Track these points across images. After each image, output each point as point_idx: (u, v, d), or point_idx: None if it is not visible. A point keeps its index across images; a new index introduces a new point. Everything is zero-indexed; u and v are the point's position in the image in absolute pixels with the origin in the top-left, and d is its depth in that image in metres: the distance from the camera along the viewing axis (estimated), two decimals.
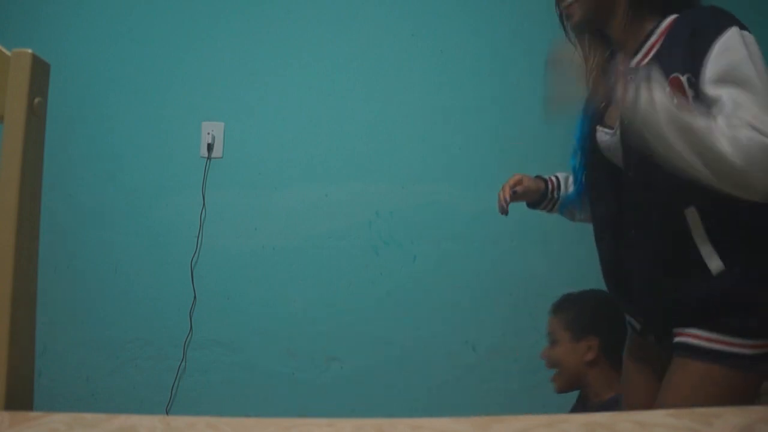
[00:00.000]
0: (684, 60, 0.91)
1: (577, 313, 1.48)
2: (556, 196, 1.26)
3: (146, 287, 2.04)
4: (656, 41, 0.99)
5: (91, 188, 2.08)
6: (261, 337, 2.02)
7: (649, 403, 1.07)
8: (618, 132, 1.02)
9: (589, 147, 1.12)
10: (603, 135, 1.08)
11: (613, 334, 1.35)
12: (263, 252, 2.05)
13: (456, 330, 1.97)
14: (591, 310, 1.47)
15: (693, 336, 0.95)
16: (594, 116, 1.11)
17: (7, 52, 0.54)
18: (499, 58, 2.05)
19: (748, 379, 0.95)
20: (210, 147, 2.07)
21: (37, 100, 0.53)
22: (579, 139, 1.16)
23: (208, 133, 2.07)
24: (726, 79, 0.87)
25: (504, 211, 1.20)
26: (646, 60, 0.99)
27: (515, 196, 1.21)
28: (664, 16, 1.00)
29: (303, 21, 2.12)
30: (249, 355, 2.01)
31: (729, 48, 0.88)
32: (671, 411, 0.45)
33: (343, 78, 2.10)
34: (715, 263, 0.93)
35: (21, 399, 0.52)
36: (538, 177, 1.27)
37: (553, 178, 1.27)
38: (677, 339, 0.98)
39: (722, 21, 0.91)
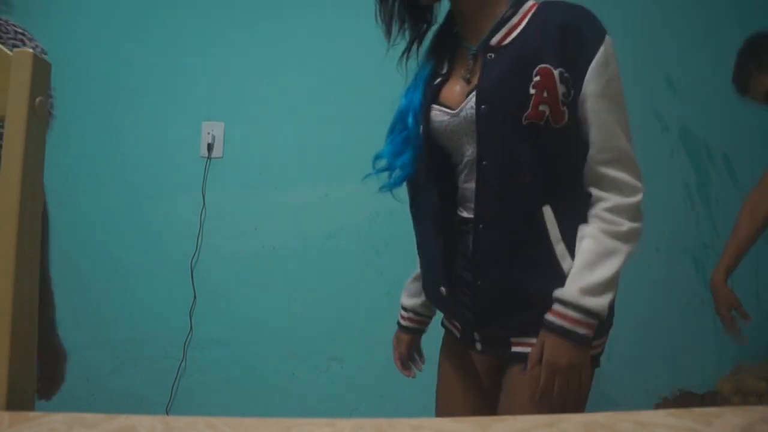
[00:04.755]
0: (556, 53, 0.90)
1: None
2: (427, 319, 1.26)
3: (146, 287, 2.03)
4: (519, 22, 0.95)
5: (91, 188, 2.08)
6: (261, 337, 2.02)
7: (469, 410, 1.09)
8: (466, 114, 0.96)
9: (421, 127, 1.03)
10: (442, 115, 1.01)
11: None
12: (263, 252, 2.05)
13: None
14: None
15: (533, 345, 0.94)
16: (427, 92, 1.03)
17: (9, 52, 0.54)
18: None
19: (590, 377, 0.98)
20: (210, 147, 2.07)
21: (38, 99, 0.53)
22: (406, 117, 1.06)
23: (208, 133, 2.07)
24: (604, 93, 0.91)
25: (412, 374, 1.26)
26: (508, 40, 0.95)
27: (406, 359, 1.25)
28: None
29: (303, 21, 2.12)
30: (249, 355, 2.01)
31: (607, 63, 0.91)
32: (672, 411, 0.45)
33: (343, 78, 2.10)
34: (567, 264, 0.93)
35: (22, 399, 0.52)
36: (400, 330, 1.26)
37: (413, 318, 1.25)
38: (516, 349, 0.97)
39: (598, 30, 0.93)
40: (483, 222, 0.97)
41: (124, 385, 2.01)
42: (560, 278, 0.92)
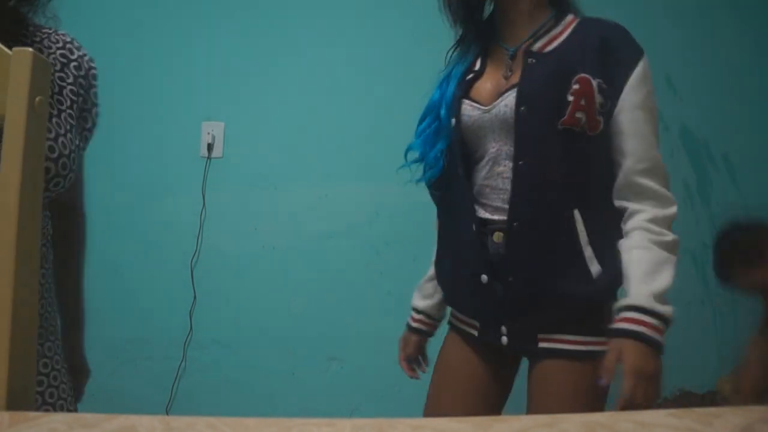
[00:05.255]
0: (596, 66, 0.95)
1: None
2: (437, 323, 1.27)
3: (146, 287, 2.03)
4: (560, 33, 1.01)
5: (91, 188, 2.08)
6: (261, 337, 2.02)
7: (468, 407, 1.08)
8: (499, 111, 0.99)
9: (453, 120, 1.05)
10: (472, 110, 1.03)
11: None
12: (263, 252, 2.05)
13: None
14: None
15: (562, 341, 0.98)
16: (460, 86, 1.07)
17: (8, 51, 0.54)
18: None
19: None
20: (210, 147, 2.07)
21: (38, 98, 0.53)
22: (438, 108, 1.09)
23: (208, 133, 2.07)
24: (643, 105, 0.95)
25: (417, 376, 1.27)
26: (549, 48, 0.99)
27: (414, 360, 1.27)
28: (556, 10, 1.04)
29: (303, 21, 2.12)
30: (249, 355, 2.01)
31: (645, 78, 0.96)
32: (672, 411, 0.45)
33: (343, 78, 2.10)
34: (595, 267, 0.96)
35: (22, 399, 0.52)
36: (409, 331, 1.27)
37: (424, 320, 1.25)
38: (543, 345, 1.00)
39: (637, 47, 0.98)
40: (517, 220, 0.98)
41: (124, 385, 2.01)
42: (588, 281, 0.96)
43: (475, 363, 1.11)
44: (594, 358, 0.96)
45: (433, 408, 1.12)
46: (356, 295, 2.02)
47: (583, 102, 0.93)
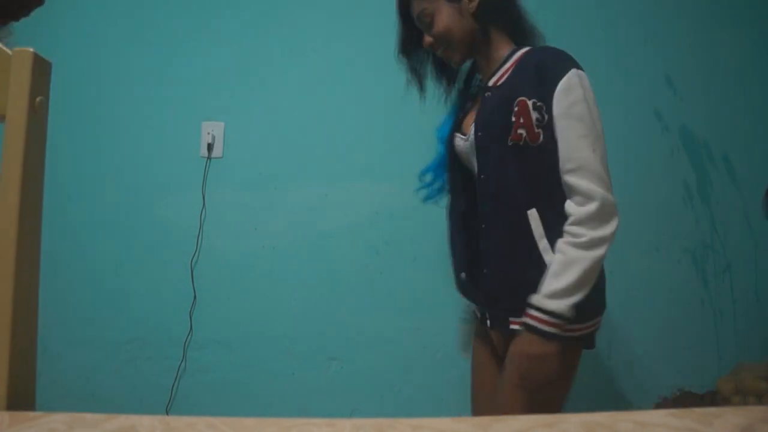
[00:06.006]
0: (532, 87, 1.12)
1: None
2: None
3: (146, 287, 2.04)
4: (508, 68, 1.20)
5: (91, 188, 2.08)
6: (261, 337, 2.02)
7: (493, 376, 1.32)
8: (471, 139, 1.21)
9: (449, 149, 1.32)
10: (459, 140, 1.29)
11: None
12: (263, 252, 2.05)
13: (456, 329, 1.97)
14: None
15: (527, 318, 1.15)
16: (454, 124, 1.33)
17: (9, 51, 0.54)
18: None
19: (562, 344, 1.12)
20: (210, 147, 2.07)
21: (38, 99, 0.53)
22: (440, 142, 1.37)
23: (208, 133, 2.07)
24: (567, 114, 1.10)
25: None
26: (501, 81, 1.20)
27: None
28: (514, 45, 1.24)
29: (303, 21, 2.12)
30: (249, 355, 2.01)
31: (568, 90, 1.10)
32: (672, 411, 0.45)
33: (343, 78, 2.11)
34: (549, 256, 1.12)
35: (23, 399, 0.52)
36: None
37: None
38: (513, 327, 1.18)
39: (563, 65, 1.12)
40: (485, 222, 1.19)
41: (124, 385, 2.01)
42: (543, 268, 1.12)
43: (491, 340, 1.35)
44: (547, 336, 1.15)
45: (474, 377, 1.41)
46: (356, 295, 2.02)
47: (522, 120, 1.11)
